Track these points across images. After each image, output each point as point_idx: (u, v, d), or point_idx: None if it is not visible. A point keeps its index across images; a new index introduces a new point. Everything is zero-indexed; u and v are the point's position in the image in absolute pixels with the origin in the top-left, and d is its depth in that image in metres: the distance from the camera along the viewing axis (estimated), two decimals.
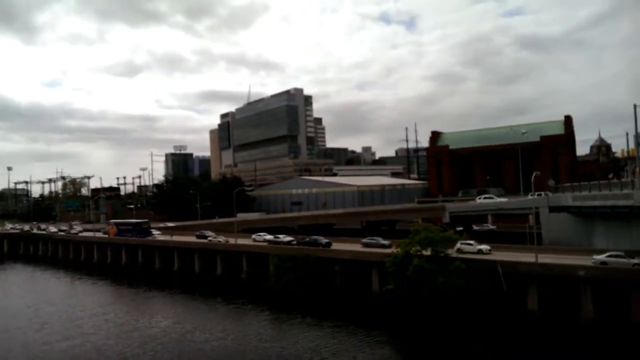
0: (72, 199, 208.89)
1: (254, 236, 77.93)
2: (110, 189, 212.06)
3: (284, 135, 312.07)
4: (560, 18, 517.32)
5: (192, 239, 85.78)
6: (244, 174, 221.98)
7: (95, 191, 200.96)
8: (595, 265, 43.01)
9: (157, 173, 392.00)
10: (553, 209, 66.68)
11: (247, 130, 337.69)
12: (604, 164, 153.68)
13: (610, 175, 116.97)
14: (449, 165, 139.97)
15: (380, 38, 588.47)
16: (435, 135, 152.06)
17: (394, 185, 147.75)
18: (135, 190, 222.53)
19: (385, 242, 61.39)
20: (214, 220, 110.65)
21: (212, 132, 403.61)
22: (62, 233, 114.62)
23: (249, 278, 68.76)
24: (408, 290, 48.33)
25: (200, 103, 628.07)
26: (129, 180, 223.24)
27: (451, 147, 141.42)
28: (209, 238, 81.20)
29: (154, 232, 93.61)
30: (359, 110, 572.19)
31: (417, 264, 47.18)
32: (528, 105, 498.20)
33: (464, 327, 43.79)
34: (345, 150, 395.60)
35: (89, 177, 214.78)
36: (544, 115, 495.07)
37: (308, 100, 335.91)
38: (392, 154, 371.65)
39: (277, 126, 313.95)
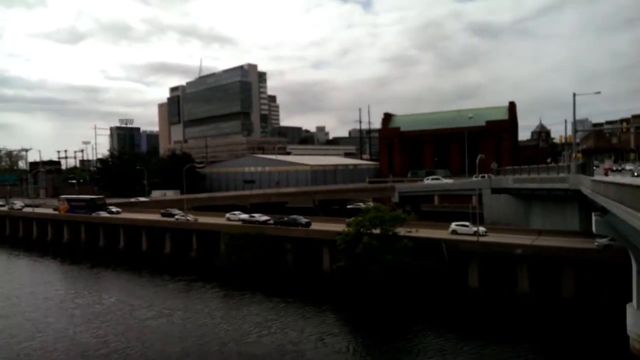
0: (8, 173, 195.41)
1: (227, 215, 74.29)
2: (50, 162, 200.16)
3: (237, 112, 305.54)
4: (510, 6, 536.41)
5: (155, 216, 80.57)
6: (195, 151, 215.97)
7: (33, 165, 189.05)
8: (599, 248, 42.68)
9: (102, 147, 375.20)
10: (495, 191, 70.13)
11: (198, 106, 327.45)
12: (543, 149, 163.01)
13: (549, 160, 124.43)
14: (400, 147, 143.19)
15: (337, 16, 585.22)
16: (387, 118, 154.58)
17: (346, 165, 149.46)
18: (78, 165, 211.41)
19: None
20: (162, 198, 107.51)
21: (160, 106, 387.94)
22: (4, 209, 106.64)
23: (199, 256, 67.87)
24: (358, 268, 49.64)
25: (148, 75, 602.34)
26: (70, 154, 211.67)
27: (402, 129, 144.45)
28: (177, 216, 76.69)
29: (112, 209, 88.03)
30: (314, 89, 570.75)
31: (366, 242, 48.45)
32: (476, 90, 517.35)
33: (408, 302, 45.76)
34: (299, 129, 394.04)
35: (26, 150, 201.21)
36: (490, 100, 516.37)
37: (262, 76, 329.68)
38: (345, 134, 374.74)
39: (230, 102, 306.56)
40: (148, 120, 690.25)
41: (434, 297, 46.43)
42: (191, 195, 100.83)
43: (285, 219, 64.74)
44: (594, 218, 34.76)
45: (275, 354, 34.37)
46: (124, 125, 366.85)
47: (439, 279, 48.17)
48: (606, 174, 54.90)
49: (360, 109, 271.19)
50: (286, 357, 33.92)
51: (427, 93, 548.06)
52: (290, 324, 40.88)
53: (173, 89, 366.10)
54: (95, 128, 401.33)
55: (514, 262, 45.53)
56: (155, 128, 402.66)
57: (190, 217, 75.13)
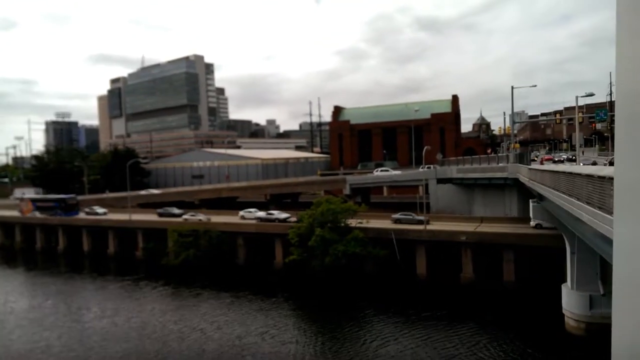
0: None
1: (242, 213, 66.55)
2: None
3: (184, 105, 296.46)
4: (456, 1, 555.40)
5: (152, 217, 71.22)
6: (138, 146, 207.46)
7: None
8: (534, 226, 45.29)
9: (37, 143, 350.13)
10: (440, 181, 72.61)
11: (142, 98, 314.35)
12: (484, 140, 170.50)
13: (489, 151, 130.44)
14: (350, 139, 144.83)
15: (289, 7, 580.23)
16: (337, 110, 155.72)
17: (297, 159, 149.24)
18: (10, 162, 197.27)
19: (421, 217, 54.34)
20: (104, 195, 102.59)
21: (100, 99, 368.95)
22: None
23: (145, 255, 65.43)
24: (310, 260, 49.87)
25: (88, 66, 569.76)
26: (1, 150, 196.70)
27: (352, 122, 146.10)
28: (185, 217, 67.21)
29: (98, 210, 77.19)
30: (264, 82, 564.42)
31: (319, 234, 48.74)
32: (423, 83, 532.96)
33: (358, 292, 46.56)
34: (249, 122, 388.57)
35: None
36: (436, 93, 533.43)
37: (210, 68, 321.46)
38: (296, 127, 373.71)
39: (176, 95, 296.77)
40: (87, 114, 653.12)
41: (383, 285, 47.54)
42: (136, 193, 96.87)
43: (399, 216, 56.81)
44: (531, 204, 36.82)
45: (218, 349, 33.92)
46: (60, 119, 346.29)
47: (389, 268, 49.38)
48: (542, 163, 58.30)
49: (310, 102, 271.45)
50: (230, 351, 33.53)
51: (376, 86, 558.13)
52: (237, 319, 40.54)
53: (114, 81, 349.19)
54: (29, 122, 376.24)
55: (459, 249, 47.47)
56: (95, 122, 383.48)
57: (202, 217, 66.44)
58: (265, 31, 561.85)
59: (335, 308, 43.21)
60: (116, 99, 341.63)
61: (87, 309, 45.33)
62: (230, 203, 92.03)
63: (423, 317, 39.18)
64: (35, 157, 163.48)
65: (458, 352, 32.03)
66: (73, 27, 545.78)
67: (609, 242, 17.55)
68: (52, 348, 35.34)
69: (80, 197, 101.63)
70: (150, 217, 71.93)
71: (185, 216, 67.95)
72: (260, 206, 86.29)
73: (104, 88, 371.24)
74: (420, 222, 53.65)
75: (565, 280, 35.21)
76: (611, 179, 14.89)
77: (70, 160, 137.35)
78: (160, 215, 71.96)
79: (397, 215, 56.66)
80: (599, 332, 30.37)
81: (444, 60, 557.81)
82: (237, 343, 35.07)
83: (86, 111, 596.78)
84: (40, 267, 67.00)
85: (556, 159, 68.08)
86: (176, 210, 72.01)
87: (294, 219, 58.20)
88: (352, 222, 52.02)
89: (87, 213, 77.26)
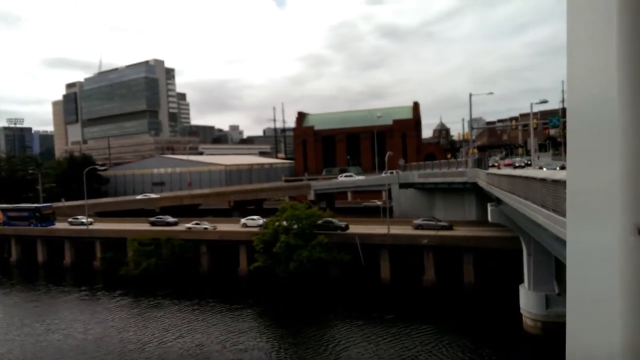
0: None
1: (243, 221, 63.22)
2: None
3: (143, 110, 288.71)
4: (416, 10, 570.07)
5: (143, 226, 66.48)
6: (96, 152, 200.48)
7: None
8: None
9: None
10: (402, 185, 73.94)
11: (99, 103, 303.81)
12: (444, 145, 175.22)
13: (449, 156, 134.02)
14: (314, 145, 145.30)
15: (252, 12, 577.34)
16: (301, 116, 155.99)
17: (261, 165, 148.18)
18: None
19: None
20: (60, 204, 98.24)
21: (55, 104, 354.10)
22: None
23: (104, 265, 62.93)
24: (275, 266, 49.48)
25: (42, 69, 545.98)
26: None
27: (316, 127, 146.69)
28: (188, 225, 62.83)
29: (82, 219, 71.24)
30: (227, 87, 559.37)
31: (284, 240, 48.49)
32: (385, 90, 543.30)
33: (322, 297, 46.56)
34: (211, 128, 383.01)
35: None
36: (398, 100, 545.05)
37: (170, 73, 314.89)
38: (260, 133, 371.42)
39: (135, 100, 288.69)
40: (42, 119, 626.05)
41: (348, 290, 47.72)
42: (93, 201, 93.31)
43: (320, 222, 54.51)
44: (489, 208, 38.03)
45: (179, 359, 33.08)
46: (12, 125, 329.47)
47: (354, 273, 49.66)
48: (499, 168, 60.46)
49: (274, 108, 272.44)
50: None
51: (340, 92, 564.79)
52: (199, 327, 39.74)
53: (70, 85, 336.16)
54: None
55: (421, 253, 48.37)
56: (49, 128, 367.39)
57: (208, 225, 62.80)
58: (228, 36, 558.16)
59: (299, 314, 43.01)
60: (72, 104, 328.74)
61: (42, 321, 43.15)
62: (193, 211, 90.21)
63: (386, 320, 39.56)
64: None
65: (419, 354, 32.55)
66: (26, 29, 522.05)
67: (563, 243, 18.35)
68: None
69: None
70: (141, 226, 67.01)
71: (188, 225, 63.74)
72: (224, 213, 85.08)
73: (60, 93, 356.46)
74: (444, 228, 51.91)
75: (522, 281, 36.50)
76: (564, 182, 15.59)
77: (23, 167, 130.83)
78: (153, 224, 67.88)
79: (418, 221, 54.89)
80: (555, 331, 31.63)
81: (406, 67, 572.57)
82: (197, 352, 34.28)
83: (41, 117, 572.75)
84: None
85: (517, 165, 68.33)
86: (170, 219, 68.60)
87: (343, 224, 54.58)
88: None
89: (71, 223, 71.32)
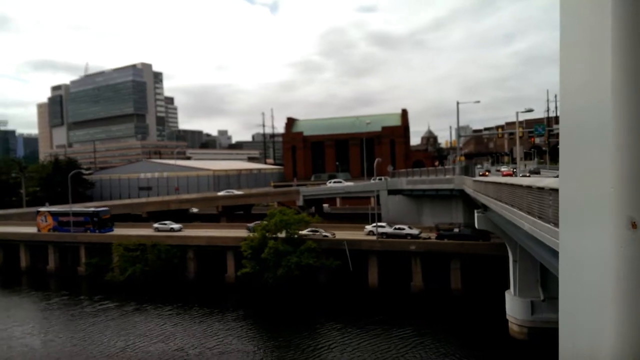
0: None
1: (251, 225, 59.66)
2: None
3: (130, 114, 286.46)
4: (407, 19, 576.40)
5: (147, 231, 64.04)
6: (81, 156, 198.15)
7: None
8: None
9: None
10: (391, 192, 74.36)
11: (85, 107, 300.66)
12: (431, 152, 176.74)
13: (436, 163, 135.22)
14: (303, 151, 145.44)
15: (244, 17, 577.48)
16: (290, 122, 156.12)
17: (250, 170, 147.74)
18: None
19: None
20: (44, 209, 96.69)
21: (40, 106, 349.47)
22: None
23: (88, 271, 62.01)
24: (263, 272, 49.30)
25: (27, 71, 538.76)
26: None
27: (305, 133, 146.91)
28: (155, 226, 62.08)
29: (173, 225, 66.32)
30: (217, 92, 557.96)
31: (272, 246, 48.38)
32: (375, 97, 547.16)
33: (310, 303, 46.51)
34: (199, 133, 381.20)
35: None
36: (387, 106, 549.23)
37: (158, 76, 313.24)
38: (249, 138, 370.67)
39: (121, 103, 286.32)
40: (26, 122, 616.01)
41: (336, 296, 47.74)
42: (79, 205, 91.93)
43: (306, 232, 53.39)
44: (476, 214, 38.45)
45: None
46: None
47: (342, 279, 49.71)
48: (484, 175, 61.20)
49: (263, 113, 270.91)
50: None
51: (330, 98, 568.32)
52: (183, 333, 39.45)
53: (55, 88, 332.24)
54: None
55: (409, 259, 48.65)
56: (34, 131, 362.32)
57: (175, 226, 62.84)
58: (218, 41, 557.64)
59: (287, 320, 42.86)
60: (57, 107, 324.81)
61: (18, 327, 42.46)
62: (181, 216, 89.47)
63: (373, 326, 39.63)
64: None
65: (407, 358, 32.69)
66: (9, 30, 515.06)
67: (548, 249, 18.67)
68: None
69: (18, 211, 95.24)
70: (145, 231, 64.37)
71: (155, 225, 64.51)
72: (212, 218, 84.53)
73: (45, 95, 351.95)
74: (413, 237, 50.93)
75: (508, 287, 36.92)
76: (551, 190, 15.90)
77: (6, 171, 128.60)
78: (157, 230, 65.34)
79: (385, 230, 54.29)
80: (540, 336, 32.04)
81: (395, 74, 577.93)
82: (177, 356, 33.94)
83: (26, 119, 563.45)
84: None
85: (520, 175, 58.43)
86: (175, 225, 65.81)
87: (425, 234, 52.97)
88: (307, 234, 52.00)
89: (157, 229, 65.65)
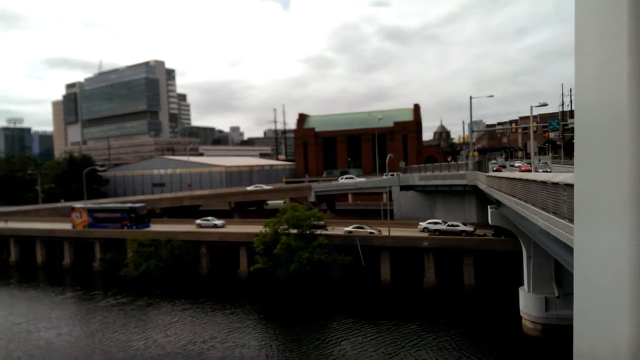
0: None
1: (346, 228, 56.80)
2: None
3: (143, 111, 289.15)
4: (419, 13, 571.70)
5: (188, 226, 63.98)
6: (95, 153, 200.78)
7: None
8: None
9: None
10: (403, 188, 73.98)
11: (99, 104, 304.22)
12: (444, 148, 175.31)
13: (449, 158, 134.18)
14: (315, 147, 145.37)
15: (255, 13, 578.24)
16: (302, 118, 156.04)
17: (262, 166, 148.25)
18: None
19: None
20: (59, 205, 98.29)
21: (55, 104, 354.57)
22: None
23: (103, 266, 62.89)
24: (276, 268, 49.51)
25: (43, 69, 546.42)
26: None
27: (317, 129, 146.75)
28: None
29: (217, 222, 65.52)
30: (229, 88, 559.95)
31: (284, 242, 48.52)
32: (387, 92, 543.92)
33: (323, 299, 46.58)
34: (212, 129, 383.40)
35: None
36: (399, 102, 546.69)
37: (171, 73, 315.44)
38: (260, 134, 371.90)
39: (135, 100, 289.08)
40: (41, 119, 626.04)
41: (349, 292, 47.74)
42: (93, 201, 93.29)
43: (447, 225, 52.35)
44: (489, 210, 38.08)
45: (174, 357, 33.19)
46: (12, 126, 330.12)
47: (355, 274, 49.68)
48: (497, 170, 60.34)
49: (275, 109, 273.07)
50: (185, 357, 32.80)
51: (342, 94, 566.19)
52: (195, 327, 39.89)
53: (70, 86, 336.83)
54: None
55: (422, 255, 48.41)
56: (49, 128, 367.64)
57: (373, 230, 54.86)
58: (231, 37, 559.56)
59: (299, 315, 42.98)
60: (72, 104, 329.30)
61: (34, 321, 43.38)
62: (193, 212, 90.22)
63: (385, 322, 39.55)
64: None
65: (418, 354, 32.55)
66: (27, 29, 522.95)
67: (563, 245, 18.39)
68: None
69: (34, 207, 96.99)
70: (188, 227, 64.57)
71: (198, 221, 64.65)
72: (224, 214, 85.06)
73: (60, 93, 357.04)
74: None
75: (522, 284, 36.54)
76: (566, 185, 15.64)
77: (22, 168, 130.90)
78: (200, 226, 65.27)
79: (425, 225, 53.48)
80: (554, 333, 31.67)
81: (408, 69, 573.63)
82: (192, 348, 34.30)
83: (41, 117, 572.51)
84: None
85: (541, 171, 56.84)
86: (217, 221, 65.17)
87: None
88: (318, 230, 52.02)
89: (200, 225, 65.74)
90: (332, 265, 49.77)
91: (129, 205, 70.87)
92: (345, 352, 33.94)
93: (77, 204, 75.15)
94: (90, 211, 69.47)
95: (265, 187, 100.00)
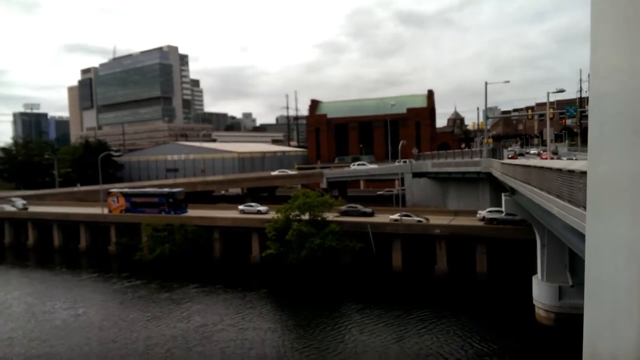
0: None
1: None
2: None
3: (157, 97, 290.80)
4: None
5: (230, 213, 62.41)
6: (110, 138, 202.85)
7: None
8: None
9: (3, 135, 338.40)
10: (415, 175, 73.54)
11: (114, 89, 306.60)
12: (458, 135, 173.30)
13: (463, 145, 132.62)
14: (327, 133, 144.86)
15: None
16: (314, 104, 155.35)
17: (274, 152, 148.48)
18: None
19: None
20: (75, 189, 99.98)
21: (71, 89, 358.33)
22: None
23: (118, 250, 64.01)
24: (287, 253, 49.84)
25: (59, 55, 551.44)
26: None
27: (329, 116, 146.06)
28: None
29: (260, 208, 63.70)
30: (241, 74, 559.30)
31: (296, 228, 48.73)
32: (401, 78, 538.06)
33: (334, 285, 46.82)
34: (224, 115, 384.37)
35: None
36: (413, 88, 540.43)
37: (184, 59, 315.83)
38: (273, 121, 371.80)
39: (149, 86, 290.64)
40: (58, 105, 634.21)
41: (360, 278, 47.90)
42: (109, 186, 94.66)
43: (344, 208, 56.42)
44: (503, 198, 37.65)
45: (179, 340, 33.69)
46: (29, 111, 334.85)
47: (366, 261, 49.78)
48: (514, 158, 59.53)
49: (287, 95, 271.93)
50: (194, 342, 33.28)
51: (355, 80, 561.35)
52: (202, 309, 40.61)
53: (85, 71, 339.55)
54: None
55: (433, 242, 48.22)
56: (65, 114, 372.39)
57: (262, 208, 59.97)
58: (243, 23, 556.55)
59: (310, 300, 43.29)
60: (87, 89, 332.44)
61: (51, 302, 44.66)
62: (206, 197, 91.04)
63: (396, 308, 39.65)
64: (2, 149, 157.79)
65: (430, 342, 32.62)
66: (44, 15, 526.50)
67: (577, 234, 18.12)
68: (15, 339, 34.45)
69: (51, 191, 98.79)
70: (230, 213, 63.41)
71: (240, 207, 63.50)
72: (237, 200, 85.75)
73: (75, 79, 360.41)
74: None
75: (535, 272, 36.22)
76: (581, 173, 15.33)
77: (39, 153, 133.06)
78: (243, 212, 63.85)
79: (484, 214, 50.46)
80: (567, 322, 31.42)
81: (423, 55, 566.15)
82: (203, 330, 34.87)
83: (58, 102, 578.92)
84: (9, 262, 64.82)
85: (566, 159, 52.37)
86: (261, 207, 63.25)
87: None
88: (329, 216, 52.03)
89: (243, 211, 64.12)
90: (343, 252, 49.91)
91: (167, 190, 69.44)
92: (354, 336, 34.17)
93: (114, 189, 74.23)
94: (128, 196, 68.51)
95: (290, 171, 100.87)
